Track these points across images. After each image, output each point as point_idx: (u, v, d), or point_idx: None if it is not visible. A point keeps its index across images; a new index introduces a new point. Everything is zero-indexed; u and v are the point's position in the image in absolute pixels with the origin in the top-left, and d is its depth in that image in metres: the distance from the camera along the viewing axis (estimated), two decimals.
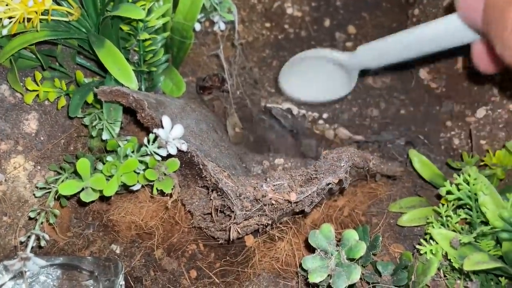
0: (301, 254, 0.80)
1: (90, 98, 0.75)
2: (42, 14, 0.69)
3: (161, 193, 0.67)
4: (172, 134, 0.62)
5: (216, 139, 0.79)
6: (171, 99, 0.80)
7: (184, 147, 0.63)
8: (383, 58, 0.75)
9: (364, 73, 0.87)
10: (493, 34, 0.52)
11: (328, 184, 0.66)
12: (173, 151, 0.62)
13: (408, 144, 0.93)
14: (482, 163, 0.79)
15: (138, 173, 0.67)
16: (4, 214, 0.70)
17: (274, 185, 0.63)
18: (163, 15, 0.85)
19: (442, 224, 0.71)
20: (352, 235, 0.64)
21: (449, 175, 0.83)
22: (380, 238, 0.71)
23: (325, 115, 1.03)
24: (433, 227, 0.69)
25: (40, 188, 0.69)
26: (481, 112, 0.88)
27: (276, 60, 1.16)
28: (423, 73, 1.03)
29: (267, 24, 1.19)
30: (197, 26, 1.03)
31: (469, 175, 0.66)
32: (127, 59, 0.82)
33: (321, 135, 1.03)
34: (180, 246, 0.78)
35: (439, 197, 0.82)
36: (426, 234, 0.73)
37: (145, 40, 0.83)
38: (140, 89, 0.85)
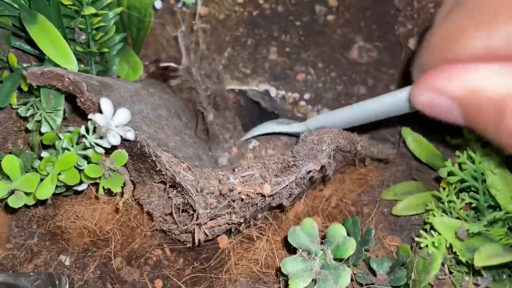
0: (284, 254, 0.69)
1: (25, 85, 0.64)
2: None
3: (109, 192, 0.56)
4: (114, 121, 0.51)
5: (179, 126, 0.68)
6: (123, 82, 0.69)
7: (130, 136, 0.52)
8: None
9: None
10: (484, 127, 0.38)
11: (308, 172, 0.55)
12: (116, 141, 0.51)
13: (400, 123, 0.83)
14: (485, 138, 0.69)
15: (81, 170, 0.56)
16: None
17: (243, 176, 0.52)
18: None
19: (444, 211, 0.60)
20: (338, 230, 0.53)
21: (448, 155, 0.73)
22: (373, 231, 0.60)
23: (306, 96, 0.92)
24: (434, 215, 0.59)
25: None
26: None
27: (251, 38, 1.05)
28: (412, 43, 0.92)
29: (240, 0, 1.07)
30: (158, 4, 0.92)
31: (474, 152, 0.56)
32: (73, 40, 0.71)
33: (303, 118, 0.92)
34: (143, 253, 0.67)
35: (438, 180, 0.72)
36: (426, 223, 0.63)
37: (93, 16, 0.71)
38: (89, 73, 0.74)
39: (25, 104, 0.64)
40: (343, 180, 0.78)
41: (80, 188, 0.58)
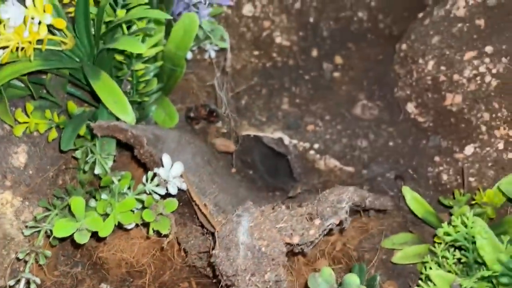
0: None
1: (82, 130, 0.73)
2: (36, 43, 0.66)
3: (157, 233, 0.65)
4: (172, 173, 0.61)
5: (212, 173, 0.78)
6: (166, 131, 0.78)
7: (184, 186, 0.61)
8: None
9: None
10: None
11: (329, 225, 0.65)
12: (174, 191, 0.60)
13: (398, 178, 0.94)
14: (473, 202, 0.80)
15: (133, 212, 0.65)
16: None
17: (277, 228, 0.62)
18: (155, 45, 0.83)
19: (438, 264, 0.71)
20: (353, 280, 0.63)
21: (439, 211, 0.84)
22: (378, 278, 0.70)
23: (316, 146, 1.03)
24: (431, 268, 0.69)
25: (30, 227, 0.66)
26: (469, 150, 0.89)
27: (265, 88, 1.15)
28: (410, 107, 1.04)
29: (256, 52, 1.18)
30: (189, 55, 1.02)
31: (467, 218, 0.67)
32: None
33: (311, 165, 1.02)
34: (172, 285, 0.75)
35: (432, 234, 0.83)
36: (422, 273, 0.73)
37: (138, 70, 0.81)
38: None
39: (80, 147, 0.73)
40: (347, 227, 0.88)
41: (129, 226, 0.67)
